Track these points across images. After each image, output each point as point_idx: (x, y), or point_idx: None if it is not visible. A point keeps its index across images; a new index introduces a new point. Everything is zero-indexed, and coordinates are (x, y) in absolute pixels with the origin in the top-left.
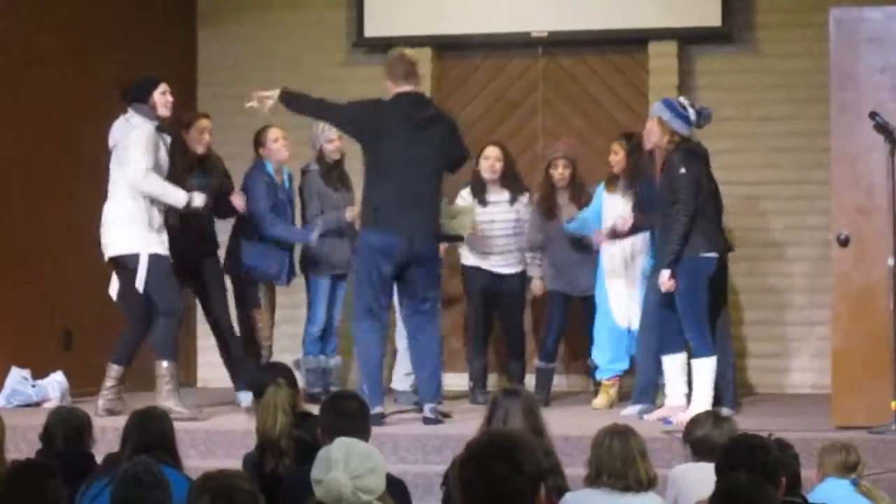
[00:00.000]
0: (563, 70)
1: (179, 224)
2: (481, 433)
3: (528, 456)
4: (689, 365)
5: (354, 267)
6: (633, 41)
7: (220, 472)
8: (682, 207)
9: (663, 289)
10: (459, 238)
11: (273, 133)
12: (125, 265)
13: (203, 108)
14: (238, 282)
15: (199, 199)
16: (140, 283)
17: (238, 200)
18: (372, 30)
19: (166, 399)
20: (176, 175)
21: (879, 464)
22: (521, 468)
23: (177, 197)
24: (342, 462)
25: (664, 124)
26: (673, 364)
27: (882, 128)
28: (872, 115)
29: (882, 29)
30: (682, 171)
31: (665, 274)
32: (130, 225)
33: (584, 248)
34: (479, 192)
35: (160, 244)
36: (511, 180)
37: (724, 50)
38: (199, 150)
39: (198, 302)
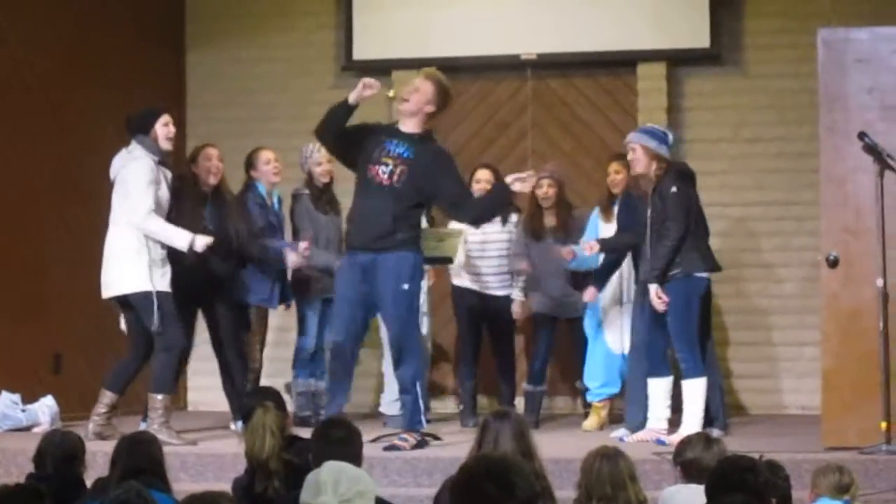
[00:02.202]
0: (552, 92)
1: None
2: (473, 456)
3: (522, 479)
4: (678, 387)
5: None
6: (622, 63)
7: (205, 493)
8: (674, 224)
9: (655, 303)
10: (449, 260)
11: (265, 155)
12: (132, 302)
13: (193, 131)
14: (236, 307)
15: (200, 243)
16: (156, 323)
17: (293, 257)
18: (361, 52)
19: (158, 431)
20: (186, 210)
21: (871, 485)
22: (513, 491)
23: (179, 240)
24: (331, 486)
25: (651, 152)
26: (658, 387)
27: (870, 148)
28: (861, 135)
29: (869, 49)
30: (674, 189)
31: (653, 289)
32: (133, 261)
33: (571, 271)
34: None
35: (164, 280)
36: None
37: (713, 71)
38: (212, 180)
39: (195, 326)
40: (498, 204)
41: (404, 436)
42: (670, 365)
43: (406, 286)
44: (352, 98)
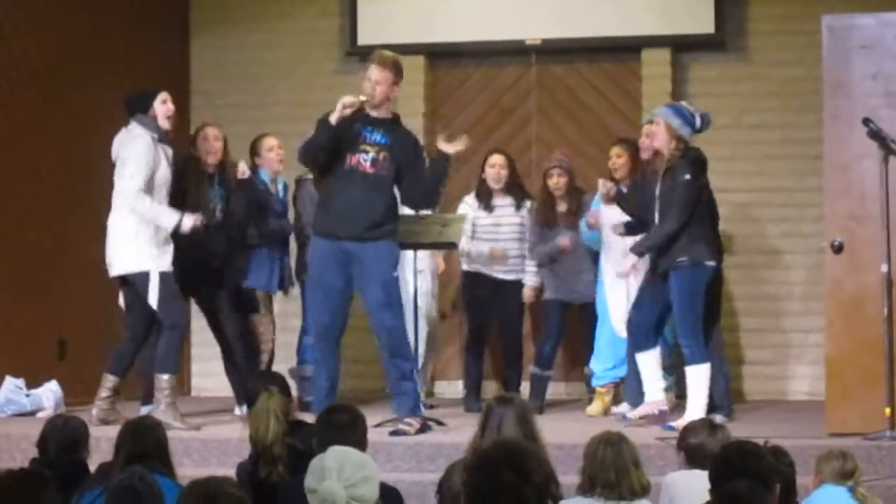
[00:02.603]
0: (556, 78)
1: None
2: (489, 441)
3: (537, 465)
4: (670, 366)
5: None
6: (627, 49)
7: (209, 478)
8: (679, 209)
9: (629, 268)
10: (453, 245)
11: (269, 142)
12: (131, 282)
13: (197, 117)
14: (234, 290)
15: (187, 223)
16: (154, 302)
17: (243, 166)
18: (365, 38)
19: (164, 413)
20: (190, 192)
21: (874, 470)
22: (529, 477)
23: (166, 219)
24: (336, 471)
25: (673, 130)
26: (647, 361)
27: (875, 134)
28: (866, 121)
29: (874, 35)
30: (687, 177)
31: (630, 260)
32: (136, 241)
33: (582, 256)
34: (485, 198)
35: (166, 260)
36: (513, 186)
37: (717, 57)
38: (211, 159)
39: (198, 311)
40: (441, 174)
41: (409, 420)
42: (656, 338)
43: (395, 273)
44: (333, 119)
